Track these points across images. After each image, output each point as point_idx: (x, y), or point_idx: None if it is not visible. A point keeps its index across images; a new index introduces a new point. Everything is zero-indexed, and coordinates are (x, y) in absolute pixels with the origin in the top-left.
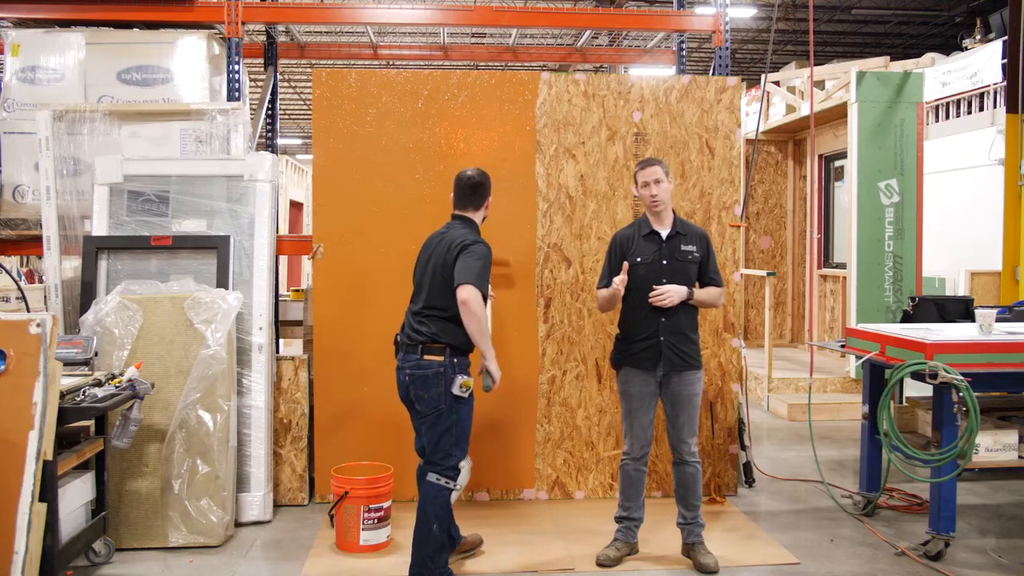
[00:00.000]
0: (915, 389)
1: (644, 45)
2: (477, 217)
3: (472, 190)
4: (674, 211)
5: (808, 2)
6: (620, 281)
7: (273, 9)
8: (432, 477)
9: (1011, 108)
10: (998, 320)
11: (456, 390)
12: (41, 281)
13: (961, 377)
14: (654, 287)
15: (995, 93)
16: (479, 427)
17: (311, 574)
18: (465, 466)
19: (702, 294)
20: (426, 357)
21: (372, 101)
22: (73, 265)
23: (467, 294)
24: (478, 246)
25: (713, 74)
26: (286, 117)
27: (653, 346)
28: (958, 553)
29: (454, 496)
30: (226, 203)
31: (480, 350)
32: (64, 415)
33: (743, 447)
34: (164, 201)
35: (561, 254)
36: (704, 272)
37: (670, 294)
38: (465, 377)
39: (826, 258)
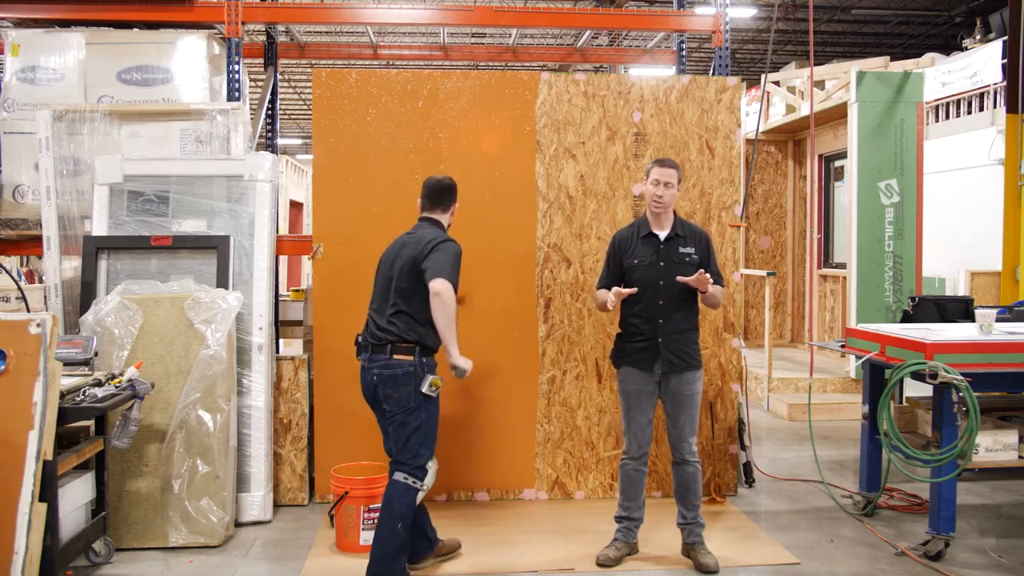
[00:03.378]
0: (915, 389)
1: (644, 45)
2: (444, 220)
3: (440, 192)
4: (675, 213)
5: (808, 2)
6: (612, 303)
7: (273, 9)
8: (399, 476)
9: (1011, 108)
10: (998, 320)
11: (426, 389)
12: (41, 281)
13: (961, 377)
14: (657, 284)
15: (995, 93)
16: (480, 427)
17: (311, 574)
18: (432, 467)
19: (713, 289)
20: (396, 357)
21: (372, 101)
22: (73, 265)
23: (440, 287)
24: (449, 243)
25: (713, 74)
26: (286, 117)
27: (651, 346)
28: (958, 553)
29: (419, 496)
30: (226, 203)
31: (444, 344)
32: (64, 415)
33: (743, 447)
34: (164, 201)
35: (561, 254)
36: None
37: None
38: (434, 376)
39: (826, 258)
